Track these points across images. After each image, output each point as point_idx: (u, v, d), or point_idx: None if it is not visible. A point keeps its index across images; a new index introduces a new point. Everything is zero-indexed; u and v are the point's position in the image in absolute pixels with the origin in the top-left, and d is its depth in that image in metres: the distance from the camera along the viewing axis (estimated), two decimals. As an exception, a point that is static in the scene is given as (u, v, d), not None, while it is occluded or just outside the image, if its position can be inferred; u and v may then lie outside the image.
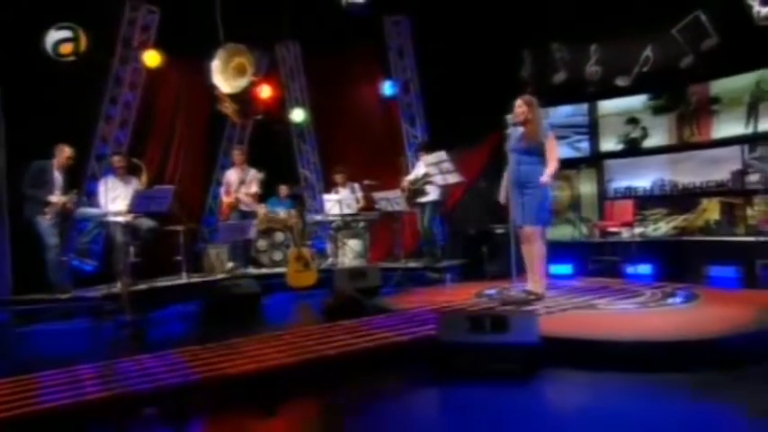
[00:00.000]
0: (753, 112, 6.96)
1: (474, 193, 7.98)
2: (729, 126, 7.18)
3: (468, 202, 8.21)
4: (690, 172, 7.53)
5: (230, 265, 7.58)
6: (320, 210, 8.72)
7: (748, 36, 6.52)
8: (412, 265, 7.50)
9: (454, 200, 8.26)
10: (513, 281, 4.96)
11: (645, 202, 7.84)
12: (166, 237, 6.89)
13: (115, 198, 6.32)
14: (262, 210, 7.97)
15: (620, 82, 7.83)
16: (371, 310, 4.94)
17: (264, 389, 3.15)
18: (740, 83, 7.08)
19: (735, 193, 7.13)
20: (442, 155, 6.85)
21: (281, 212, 8.20)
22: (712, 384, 3.08)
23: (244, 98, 7.71)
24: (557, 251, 7.32)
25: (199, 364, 3.29)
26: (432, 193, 7.44)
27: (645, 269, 6.94)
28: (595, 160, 8.29)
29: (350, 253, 7.84)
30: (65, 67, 6.72)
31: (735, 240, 6.83)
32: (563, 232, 8.30)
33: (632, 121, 7.99)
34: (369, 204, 7.97)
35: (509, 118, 5.02)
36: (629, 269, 6.89)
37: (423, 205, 7.59)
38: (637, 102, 7.95)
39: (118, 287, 5.90)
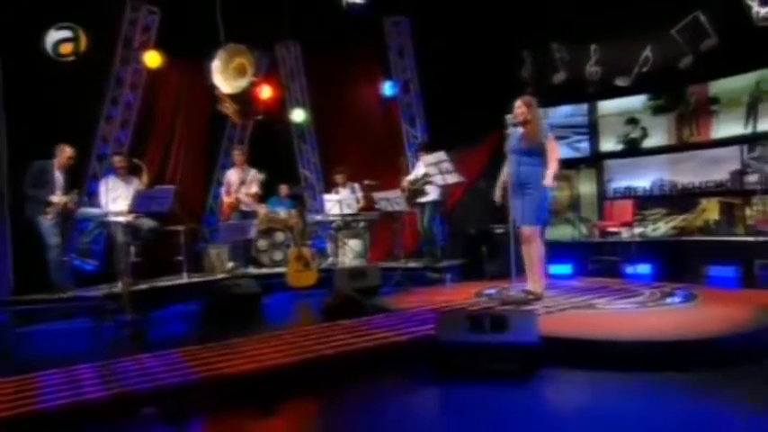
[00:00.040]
0: (752, 113, 6.98)
1: (474, 193, 7.98)
2: (728, 126, 7.21)
3: (468, 202, 8.22)
4: (689, 172, 7.55)
5: (231, 264, 7.59)
6: (320, 210, 8.74)
7: (747, 36, 6.55)
8: (412, 264, 7.51)
9: (454, 200, 8.28)
10: (513, 281, 4.98)
11: (644, 202, 7.86)
12: (167, 237, 6.91)
13: (116, 198, 6.32)
14: (262, 210, 7.98)
15: (620, 82, 7.84)
16: (371, 309, 4.95)
17: (264, 389, 3.16)
18: (739, 83, 7.10)
19: (734, 193, 7.15)
20: (441, 155, 6.86)
21: (282, 212, 8.22)
22: (711, 384, 3.09)
23: (244, 98, 7.72)
24: (556, 251, 7.34)
25: (198, 364, 3.29)
26: (431, 193, 7.46)
27: (644, 269, 6.95)
28: (595, 160, 8.31)
29: (350, 253, 7.86)
30: (66, 67, 6.74)
31: (734, 240, 6.84)
32: (563, 232, 8.31)
33: (632, 121, 8.01)
34: (369, 204, 7.98)
35: (509, 118, 5.04)
36: (629, 269, 6.90)
37: (423, 205, 7.60)
38: (636, 102, 7.98)
39: (119, 287, 5.90)
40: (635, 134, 8.00)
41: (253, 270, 7.73)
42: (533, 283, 4.89)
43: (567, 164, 7.06)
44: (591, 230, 8.13)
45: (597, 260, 7.31)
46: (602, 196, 8.20)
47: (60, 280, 5.96)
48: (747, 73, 6.99)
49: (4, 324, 5.56)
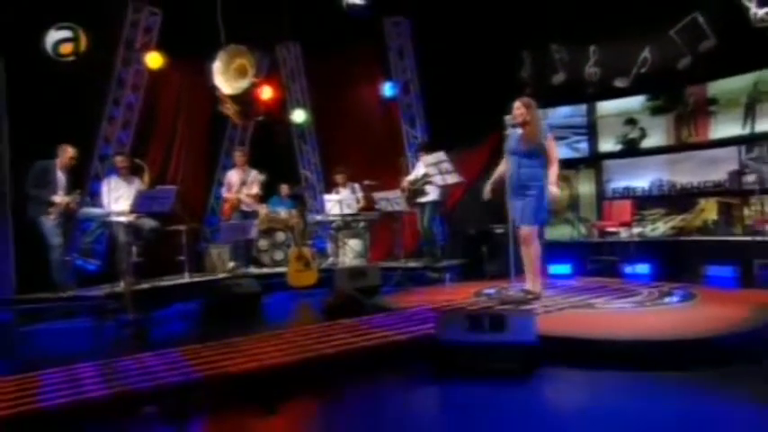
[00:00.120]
0: (750, 113, 6.99)
1: (474, 193, 7.99)
2: (727, 127, 7.21)
3: (468, 203, 8.24)
4: (688, 172, 7.56)
5: (232, 264, 7.62)
6: (321, 210, 8.78)
7: (745, 37, 6.55)
8: (412, 264, 7.54)
9: (454, 200, 8.30)
10: (512, 280, 5.01)
11: (643, 203, 7.87)
12: (169, 236, 6.94)
13: (118, 198, 6.34)
14: (263, 210, 8.01)
15: (619, 83, 7.86)
16: (371, 309, 4.97)
17: (265, 387, 3.16)
18: (737, 84, 7.11)
19: (732, 194, 7.16)
20: (441, 155, 6.89)
21: (282, 212, 8.24)
22: (709, 383, 3.11)
23: (245, 99, 7.73)
24: (556, 251, 7.40)
25: (199, 363, 3.30)
26: (431, 194, 7.49)
27: (643, 269, 6.96)
28: (594, 160, 8.32)
29: (350, 253, 7.89)
30: (68, 68, 6.75)
31: (732, 240, 6.86)
32: (562, 232, 8.33)
33: (631, 121, 8.03)
34: (369, 204, 8.01)
35: (508, 119, 5.07)
36: (628, 269, 6.92)
37: (422, 205, 7.63)
38: (635, 102, 7.99)
39: (120, 286, 5.93)
40: (634, 134, 8.02)
41: (253, 270, 7.75)
42: (532, 282, 4.92)
43: (566, 164, 7.09)
44: (590, 230, 8.15)
45: (596, 260, 7.33)
46: (600, 196, 8.21)
47: (62, 279, 6.00)
48: (745, 74, 6.99)
49: (7, 323, 5.59)
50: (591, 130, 8.33)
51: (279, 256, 8.14)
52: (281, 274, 7.25)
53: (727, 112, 7.23)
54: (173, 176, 8.24)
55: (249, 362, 3.32)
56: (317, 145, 10.20)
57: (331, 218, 8.07)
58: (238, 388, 3.14)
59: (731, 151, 7.13)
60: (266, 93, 9.00)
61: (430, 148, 7.43)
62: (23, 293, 6.02)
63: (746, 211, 7.02)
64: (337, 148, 9.58)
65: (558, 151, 5.03)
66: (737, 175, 7.07)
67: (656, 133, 7.88)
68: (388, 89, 9.27)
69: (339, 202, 7.93)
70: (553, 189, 4.79)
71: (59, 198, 5.93)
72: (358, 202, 7.99)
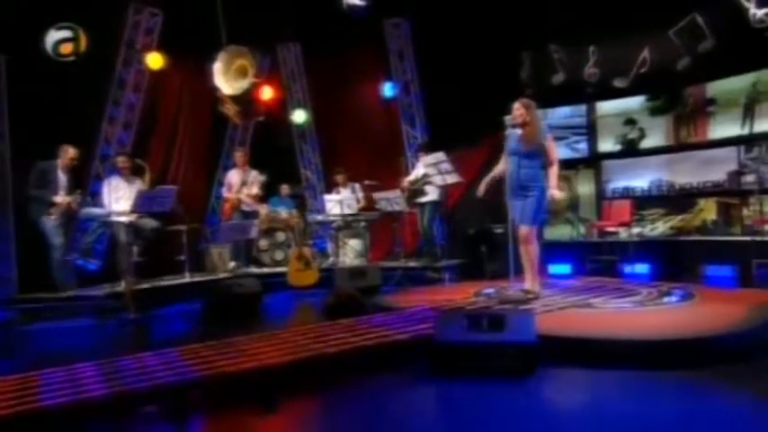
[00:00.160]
0: (749, 114, 7.01)
1: (473, 193, 7.99)
2: (726, 127, 7.24)
3: (468, 203, 8.25)
4: (687, 172, 7.59)
5: (232, 264, 7.65)
6: (321, 210, 8.80)
7: (744, 38, 6.56)
8: (412, 264, 7.56)
9: (454, 200, 8.32)
10: (511, 280, 5.03)
11: (642, 203, 7.89)
12: (169, 236, 6.96)
13: (119, 198, 6.37)
14: (263, 210, 8.03)
15: (618, 83, 7.87)
16: (371, 308, 4.98)
17: (264, 387, 3.17)
18: (736, 84, 7.14)
19: (731, 194, 7.18)
20: (440, 155, 6.91)
21: (283, 212, 8.26)
22: (708, 381, 3.12)
23: (245, 99, 7.76)
24: (555, 251, 7.42)
25: (199, 363, 3.30)
26: (431, 194, 7.51)
27: (642, 269, 6.99)
28: (593, 161, 8.35)
29: (350, 252, 7.91)
30: (69, 68, 6.77)
31: (731, 240, 6.89)
32: (561, 232, 8.36)
33: (630, 122, 8.05)
34: (369, 204, 8.03)
35: (507, 119, 5.09)
36: (627, 269, 6.94)
37: (422, 205, 7.65)
38: (634, 103, 8.01)
39: (121, 286, 5.97)
40: (633, 135, 8.04)
41: (254, 269, 7.77)
42: (532, 282, 4.95)
43: (565, 164, 7.12)
44: (589, 230, 8.17)
45: (596, 260, 7.36)
46: (600, 196, 8.23)
47: (64, 279, 6.01)
48: (744, 74, 7.02)
49: (9, 322, 5.61)
50: (590, 130, 8.36)
51: (279, 255, 8.16)
52: (282, 274, 7.27)
53: (726, 112, 7.25)
54: (173, 176, 8.25)
55: (249, 361, 3.32)
56: (317, 145, 10.22)
57: (331, 218, 8.09)
58: (238, 387, 3.14)
59: (730, 151, 7.15)
60: (267, 93, 9.03)
61: (430, 148, 7.46)
62: (25, 293, 6.03)
63: (745, 211, 7.04)
64: (338, 149, 9.61)
65: (558, 152, 5.05)
66: (736, 175, 7.09)
67: (655, 133, 7.91)
68: (388, 90, 9.28)
69: (339, 202, 7.95)
70: (555, 193, 4.83)
71: (60, 198, 5.95)
72: (358, 202, 8.01)
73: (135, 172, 6.69)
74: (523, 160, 4.85)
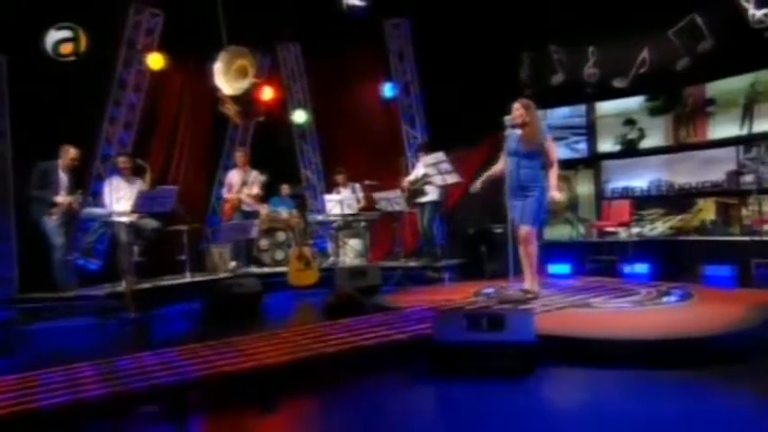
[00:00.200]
0: (747, 114, 7.03)
1: (473, 193, 8.03)
2: (725, 127, 7.26)
3: (468, 203, 8.27)
4: (686, 172, 7.60)
5: (233, 264, 7.67)
6: (321, 210, 8.82)
7: (743, 38, 6.58)
8: (412, 264, 7.58)
9: (453, 200, 8.34)
10: (511, 280, 5.05)
11: (642, 203, 7.91)
12: (170, 236, 6.98)
13: (120, 198, 6.38)
14: (264, 210, 8.05)
15: (618, 84, 7.88)
16: (371, 308, 5.00)
17: (264, 387, 3.18)
18: (735, 85, 7.15)
19: (730, 194, 7.20)
20: (440, 156, 6.93)
21: (283, 212, 8.28)
22: (707, 381, 3.13)
23: (246, 100, 7.77)
24: (555, 251, 7.44)
25: (199, 362, 3.30)
26: (431, 194, 7.52)
27: (642, 268, 7.00)
28: (593, 161, 8.36)
29: (351, 252, 7.93)
30: (70, 68, 6.78)
31: (730, 240, 6.91)
32: (561, 232, 8.38)
33: (629, 122, 8.07)
34: (369, 204, 8.05)
35: (507, 119, 5.11)
36: (627, 268, 6.95)
37: (422, 205, 7.66)
38: (634, 103, 8.03)
39: (122, 286, 5.98)
40: (632, 135, 8.06)
41: (254, 269, 7.79)
42: (531, 282, 4.96)
43: (565, 164, 7.14)
44: (589, 230, 8.19)
45: (595, 260, 7.38)
46: (599, 196, 8.25)
47: (64, 279, 6.03)
48: (743, 74, 7.04)
49: (11, 321, 5.63)
50: (590, 130, 8.37)
51: (279, 255, 8.18)
52: (282, 274, 7.29)
53: (725, 112, 7.27)
54: (174, 177, 8.28)
55: (249, 361, 3.32)
56: (317, 145, 10.24)
57: (331, 218, 8.10)
58: (237, 387, 3.15)
59: (729, 152, 7.17)
60: (267, 93, 9.04)
61: (429, 148, 7.47)
62: (26, 293, 6.04)
63: (744, 211, 7.06)
64: (338, 149, 9.63)
65: (558, 152, 5.07)
66: (735, 175, 7.11)
67: (654, 134, 7.92)
68: (388, 90, 9.30)
69: (340, 202, 7.97)
70: (555, 194, 4.85)
71: (61, 198, 5.96)
72: (358, 201, 8.02)
73: (136, 172, 6.71)
74: (523, 160, 4.87)
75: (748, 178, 6.93)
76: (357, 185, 8.17)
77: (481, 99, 7.51)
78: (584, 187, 8.40)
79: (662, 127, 7.86)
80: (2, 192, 6.33)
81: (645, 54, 7.61)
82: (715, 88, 7.37)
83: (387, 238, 8.62)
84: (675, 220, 7.69)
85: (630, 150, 8.09)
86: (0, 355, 4.48)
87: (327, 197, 8.32)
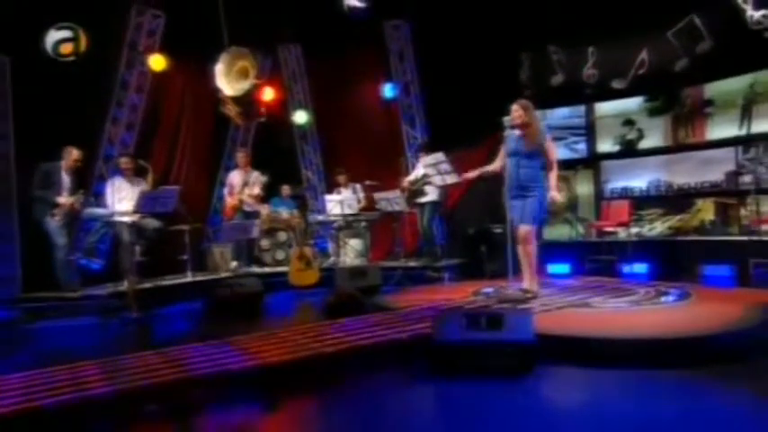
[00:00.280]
0: (746, 114, 7.05)
1: (473, 193, 8.07)
2: (723, 128, 7.28)
3: (467, 203, 8.31)
4: (685, 173, 7.63)
5: (234, 263, 7.70)
6: (322, 210, 8.84)
7: (742, 39, 6.59)
8: (412, 264, 7.60)
9: (453, 200, 8.37)
10: (510, 280, 5.07)
11: (641, 203, 7.93)
12: (172, 236, 7.01)
13: (122, 199, 6.41)
14: (265, 210, 8.08)
15: (617, 84, 7.91)
16: (371, 308, 5.02)
17: (265, 386, 3.20)
18: (734, 85, 7.18)
19: (729, 194, 7.22)
20: (439, 156, 6.94)
21: (284, 212, 8.31)
22: (705, 380, 3.14)
23: (247, 101, 7.80)
24: (554, 251, 7.46)
25: (201, 361, 3.32)
26: (431, 194, 7.54)
27: (641, 268, 7.01)
28: (592, 161, 8.39)
29: (351, 252, 7.96)
30: (72, 69, 6.80)
31: (729, 240, 6.92)
32: (560, 232, 8.41)
33: (628, 122, 8.10)
34: (370, 204, 8.08)
35: (506, 120, 5.13)
36: (626, 268, 6.97)
37: (422, 205, 7.69)
38: (633, 104, 8.06)
39: (124, 285, 6.01)
40: (631, 135, 8.09)
41: (255, 269, 7.82)
42: (530, 281, 4.99)
43: (564, 165, 7.17)
44: (588, 230, 8.21)
45: (594, 260, 7.40)
46: (599, 197, 8.28)
47: (67, 279, 6.05)
48: (742, 75, 7.07)
49: (14, 321, 5.65)
50: (589, 130, 8.40)
51: (280, 255, 8.21)
52: (283, 274, 7.31)
53: (723, 113, 7.29)
54: (176, 177, 8.31)
55: (250, 360, 3.34)
56: (318, 146, 10.27)
57: (332, 218, 8.13)
58: (238, 386, 3.16)
59: (728, 152, 7.19)
60: (268, 94, 9.05)
61: (429, 148, 7.49)
62: (29, 292, 6.06)
63: (743, 212, 7.08)
64: (338, 149, 9.66)
65: (557, 153, 5.10)
66: (734, 175, 7.13)
67: (653, 134, 7.95)
68: (388, 90, 9.32)
69: (340, 203, 7.99)
70: (555, 195, 4.87)
71: (64, 199, 5.98)
72: (359, 202, 8.05)
73: (138, 173, 6.73)
74: (523, 161, 4.89)
75: (747, 178, 6.95)
76: (358, 186, 8.20)
77: (481, 100, 7.53)
78: (584, 187, 8.42)
79: (661, 127, 7.89)
80: (5, 192, 6.36)
81: (644, 55, 7.64)
82: (714, 89, 7.39)
83: (387, 238, 8.65)
84: (674, 221, 7.71)
85: (629, 151, 8.11)
86: (3, 354, 4.50)
87: (328, 197, 8.34)
